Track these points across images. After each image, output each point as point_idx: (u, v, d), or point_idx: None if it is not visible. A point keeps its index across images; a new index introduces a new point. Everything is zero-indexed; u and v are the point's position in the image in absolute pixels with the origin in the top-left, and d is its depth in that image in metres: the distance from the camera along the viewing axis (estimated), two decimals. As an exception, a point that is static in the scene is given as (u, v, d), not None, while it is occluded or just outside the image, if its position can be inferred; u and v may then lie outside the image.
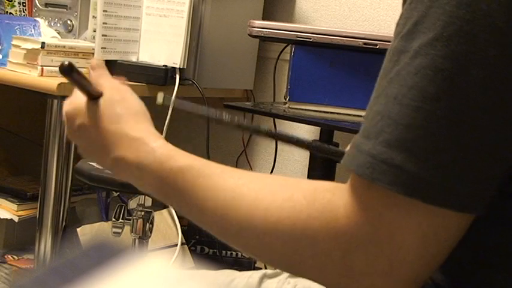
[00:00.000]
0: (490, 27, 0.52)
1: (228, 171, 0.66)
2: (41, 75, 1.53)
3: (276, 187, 0.63)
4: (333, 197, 0.58)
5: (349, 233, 0.56)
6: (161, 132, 1.67)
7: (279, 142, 1.96)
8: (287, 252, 0.60)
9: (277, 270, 0.93)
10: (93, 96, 0.77)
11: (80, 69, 0.77)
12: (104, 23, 1.64)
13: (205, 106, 0.83)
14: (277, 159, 1.96)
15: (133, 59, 1.72)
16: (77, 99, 0.78)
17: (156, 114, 1.73)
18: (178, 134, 2.03)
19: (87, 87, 0.77)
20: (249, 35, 1.62)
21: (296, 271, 0.63)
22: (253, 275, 0.94)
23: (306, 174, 1.73)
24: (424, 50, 0.54)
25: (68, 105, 0.80)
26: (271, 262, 0.63)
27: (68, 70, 0.75)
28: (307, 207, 0.59)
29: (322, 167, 1.68)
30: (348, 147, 0.68)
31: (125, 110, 0.75)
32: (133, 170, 0.71)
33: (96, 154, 0.77)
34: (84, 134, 0.77)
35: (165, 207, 1.87)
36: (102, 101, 0.76)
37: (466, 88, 0.52)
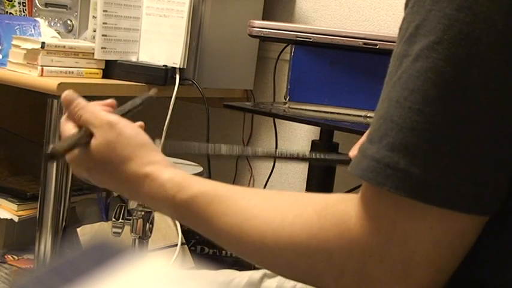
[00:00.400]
0: (490, 29, 0.52)
1: (239, 193, 0.68)
2: (41, 75, 1.53)
3: (286, 205, 0.64)
4: (345, 208, 0.59)
5: (363, 242, 0.56)
6: (161, 133, 1.67)
7: (278, 142, 1.97)
8: (303, 266, 0.61)
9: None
10: (87, 141, 0.76)
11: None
12: (104, 23, 1.64)
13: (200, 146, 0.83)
14: (277, 159, 1.96)
15: (133, 59, 1.72)
16: (74, 151, 0.78)
17: (156, 115, 1.72)
18: (178, 134, 2.03)
19: (77, 144, 0.76)
20: (249, 35, 1.62)
21: (314, 284, 0.63)
22: (254, 275, 0.94)
23: (306, 174, 1.73)
24: (425, 53, 0.54)
25: (68, 156, 0.79)
26: (290, 277, 0.65)
27: (54, 155, 0.75)
28: (318, 221, 0.59)
29: (322, 167, 1.68)
30: (351, 152, 0.68)
31: (125, 148, 0.75)
32: (149, 202, 0.74)
33: (111, 188, 0.78)
34: (94, 176, 0.78)
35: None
36: (97, 144, 0.75)
37: (468, 90, 0.53)
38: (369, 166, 0.56)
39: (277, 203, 0.65)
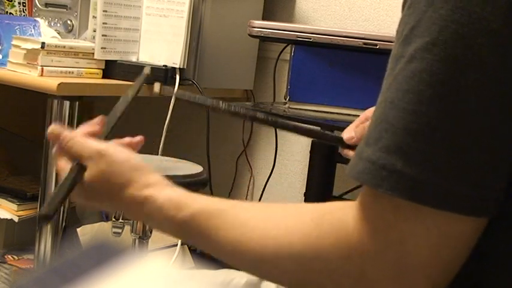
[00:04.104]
0: (485, 30, 0.52)
1: (236, 207, 0.68)
2: (41, 75, 1.53)
3: (284, 215, 0.64)
4: (342, 215, 0.59)
5: (361, 245, 0.56)
6: (161, 133, 1.67)
7: (278, 142, 1.96)
8: (303, 275, 0.61)
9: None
10: (81, 178, 0.76)
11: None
12: (104, 23, 1.64)
13: (203, 96, 0.84)
14: (277, 159, 1.96)
15: (133, 59, 1.72)
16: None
17: (156, 115, 1.73)
18: (178, 134, 2.03)
19: (70, 189, 0.76)
20: (249, 35, 1.62)
21: None
22: (253, 275, 0.94)
23: (306, 174, 1.73)
24: (420, 54, 0.54)
25: None
26: (291, 286, 0.65)
27: (48, 217, 0.75)
28: (315, 229, 0.60)
29: (322, 167, 1.68)
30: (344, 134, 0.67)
31: (119, 176, 0.75)
32: (150, 224, 0.79)
33: (115, 210, 0.80)
34: (96, 204, 0.79)
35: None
36: (92, 177, 0.75)
37: (463, 91, 0.52)
38: (365, 168, 0.56)
39: (275, 214, 0.65)
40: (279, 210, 0.66)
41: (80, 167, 0.76)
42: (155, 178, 0.75)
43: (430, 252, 0.54)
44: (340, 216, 0.59)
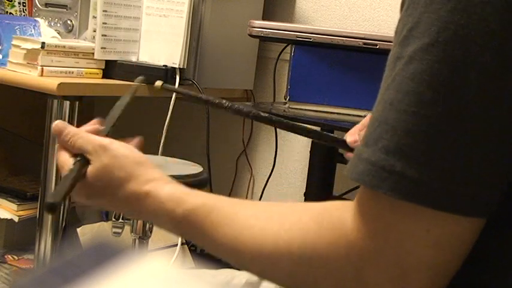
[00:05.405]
0: (484, 31, 0.52)
1: (236, 205, 0.68)
2: (41, 75, 1.53)
3: (283, 214, 0.64)
4: (341, 214, 0.59)
5: (359, 245, 0.56)
6: (161, 133, 1.67)
7: (278, 142, 1.96)
8: (301, 274, 0.61)
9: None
10: (85, 171, 0.76)
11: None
12: (103, 23, 1.64)
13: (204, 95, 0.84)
14: (277, 159, 1.96)
15: (133, 59, 1.72)
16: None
17: (156, 115, 1.73)
18: (178, 134, 2.03)
19: (75, 181, 0.76)
20: (249, 35, 1.62)
21: None
22: (253, 275, 0.94)
23: (306, 174, 1.73)
24: (419, 56, 0.54)
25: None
26: (288, 285, 0.64)
27: (55, 205, 0.75)
28: (314, 227, 0.59)
29: (322, 167, 1.68)
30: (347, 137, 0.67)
31: (122, 170, 0.75)
32: (150, 219, 0.78)
33: (113, 210, 0.80)
34: (94, 202, 0.79)
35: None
36: (95, 171, 0.76)
37: (463, 92, 0.52)
38: (365, 169, 0.56)
39: (274, 212, 0.65)
40: (278, 209, 0.66)
41: (84, 160, 0.77)
42: (157, 174, 0.75)
43: (429, 252, 0.54)
44: (338, 215, 0.59)
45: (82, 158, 0.77)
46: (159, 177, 0.75)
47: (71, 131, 0.80)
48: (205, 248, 0.70)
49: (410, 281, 0.55)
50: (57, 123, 0.81)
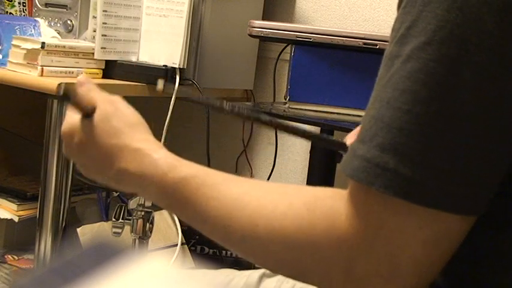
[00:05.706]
0: (480, 30, 0.52)
1: (230, 180, 0.67)
2: (41, 75, 1.52)
3: (277, 194, 0.63)
4: (334, 204, 0.59)
5: (351, 239, 0.56)
6: (161, 133, 1.67)
7: (278, 142, 1.96)
8: (291, 259, 0.60)
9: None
10: (88, 113, 0.77)
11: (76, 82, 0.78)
12: (103, 23, 1.64)
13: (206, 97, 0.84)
14: (277, 159, 1.96)
15: (133, 59, 1.72)
16: (72, 119, 0.78)
17: (156, 115, 1.73)
18: (178, 134, 2.03)
19: (81, 105, 0.77)
20: (249, 35, 1.62)
21: (300, 278, 0.63)
22: (253, 274, 0.94)
23: (306, 174, 1.73)
24: (415, 54, 0.54)
25: (64, 126, 0.79)
26: (275, 269, 0.64)
27: (66, 96, 0.76)
28: (308, 214, 0.59)
29: (322, 167, 1.68)
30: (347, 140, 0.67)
31: (121, 121, 0.75)
32: (136, 181, 0.71)
33: (96, 170, 0.77)
34: (83, 151, 0.77)
35: (165, 207, 1.86)
36: (96, 115, 0.75)
37: (458, 91, 0.53)
38: (359, 166, 0.56)
39: (267, 192, 0.64)
40: (272, 189, 0.65)
41: (91, 108, 0.77)
42: (153, 138, 0.75)
43: (420, 249, 0.55)
44: (331, 204, 0.59)
45: (90, 107, 0.77)
46: (154, 141, 0.74)
47: (93, 88, 0.80)
48: (188, 221, 0.68)
49: (399, 276, 0.55)
50: (82, 78, 0.81)
